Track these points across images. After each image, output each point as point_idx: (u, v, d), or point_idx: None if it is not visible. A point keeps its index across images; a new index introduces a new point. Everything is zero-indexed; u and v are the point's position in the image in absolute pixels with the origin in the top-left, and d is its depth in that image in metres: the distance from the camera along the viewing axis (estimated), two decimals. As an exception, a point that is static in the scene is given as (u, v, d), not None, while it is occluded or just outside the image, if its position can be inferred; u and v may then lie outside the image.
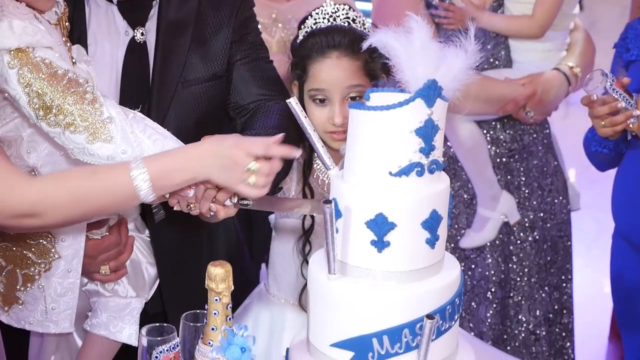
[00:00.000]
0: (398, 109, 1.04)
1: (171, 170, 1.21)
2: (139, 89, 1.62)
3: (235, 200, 1.31)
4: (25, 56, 1.30)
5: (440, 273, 1.14)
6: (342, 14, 1.63)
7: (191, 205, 1.33)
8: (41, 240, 1.52)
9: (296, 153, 1.27)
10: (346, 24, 1.63)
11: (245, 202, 1.32)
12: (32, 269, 1.52)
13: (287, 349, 1.23)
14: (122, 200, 1.24)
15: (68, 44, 1.45)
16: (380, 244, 1.07)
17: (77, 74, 1.35)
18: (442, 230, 1.12)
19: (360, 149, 1.10)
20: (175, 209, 1.37)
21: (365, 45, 1.13)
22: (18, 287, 1.53)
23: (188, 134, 1.49)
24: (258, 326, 1.75)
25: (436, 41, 1.11)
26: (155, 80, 1.61)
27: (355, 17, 1.65)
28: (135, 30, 1.59)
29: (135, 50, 1.60)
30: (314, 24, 1.66)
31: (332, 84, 1.58)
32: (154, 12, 1.60)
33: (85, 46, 1.56)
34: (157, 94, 1.60)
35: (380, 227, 1.06)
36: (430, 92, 1.05)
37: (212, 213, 1.33)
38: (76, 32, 1.55)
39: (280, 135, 1.24)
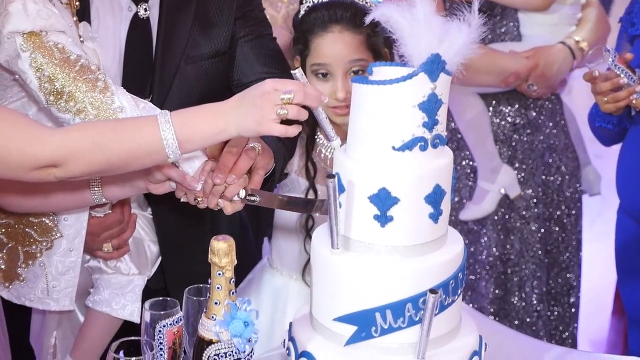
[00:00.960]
0: (401, 83, 1.04)
1: (198, 120, 1.19)
2: (142, 65, 1.63)
3: (242, 195, 1.32)
4: (38, 40, 1.31)
5: (444, 247, 1.15)
6: None
7: (198, 199, 1.34)
8: (44, 219, 1.53)
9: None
10: None
11: (252, 198, 1.33)
12: (34, 247, 1.55)
13: (290, 323, 1.25)
14: (146, 150, 1.19)
15: (77, 23, 1.46)
16: (383, 219, 1.08)
17: (90, 60, 1.36)
18: (446, 205, 1.13)
19: (363, 124, 1.11)
20: (182, 200, 1.38)
21: (368, 19, 1.13)
22: (19, 264, 1.55)
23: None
24: (261, 300, 1.77)
25: (440, 15, 1.11)
26: (158, 56, 1.62)
27: None
28: (139, 6, 1.60)
29: (138, 26, 1.61)
30: None
31: (334, 58, 1.59)
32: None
33: (88, 22, 1.56)
34: (160, 71, 1.62)
35: (384, 201, 1.07)
36: (434, 66, 1.05)
37: (219, 208, 1.34)
38: (80, 8, 1.53)
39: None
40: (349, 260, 1.11)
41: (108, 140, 1.17)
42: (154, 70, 1.62)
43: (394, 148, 1.07)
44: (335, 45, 1.59)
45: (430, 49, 1.06)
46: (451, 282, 1.12)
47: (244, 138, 1.32)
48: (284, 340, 1.24)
